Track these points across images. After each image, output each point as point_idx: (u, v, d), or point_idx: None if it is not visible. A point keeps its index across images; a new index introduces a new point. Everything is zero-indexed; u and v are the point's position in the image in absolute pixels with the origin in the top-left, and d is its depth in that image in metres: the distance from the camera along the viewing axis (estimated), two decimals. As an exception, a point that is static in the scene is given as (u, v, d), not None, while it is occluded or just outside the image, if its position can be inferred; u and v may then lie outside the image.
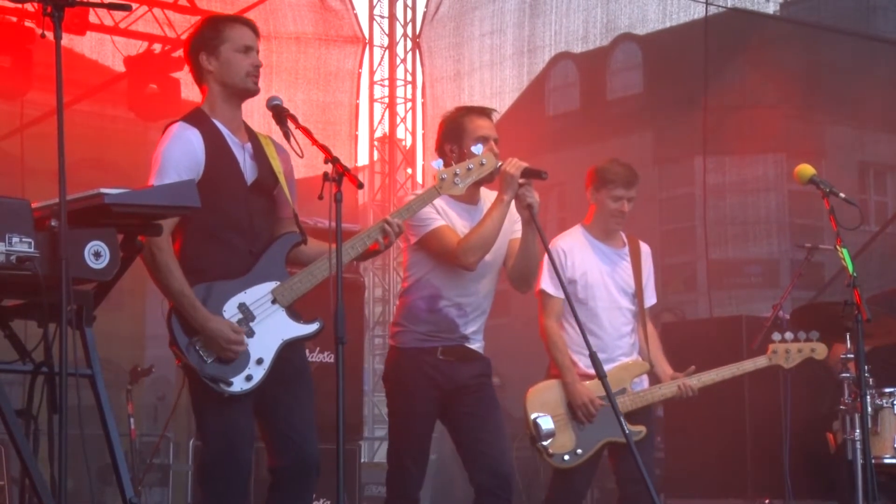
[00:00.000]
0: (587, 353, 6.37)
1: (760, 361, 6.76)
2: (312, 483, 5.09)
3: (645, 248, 6.81)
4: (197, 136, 4.99)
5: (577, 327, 6.41)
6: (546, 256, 6.38)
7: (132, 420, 9.10)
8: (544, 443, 6.35)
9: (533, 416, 6.40)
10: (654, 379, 6.66)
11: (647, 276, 6.76)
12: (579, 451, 6.41)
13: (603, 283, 6.55)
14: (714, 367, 6.78)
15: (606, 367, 6.37)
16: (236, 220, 5.02)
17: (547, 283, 6.38)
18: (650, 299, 6.78)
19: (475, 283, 5.74)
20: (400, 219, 5.16)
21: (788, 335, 6.74)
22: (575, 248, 6.60)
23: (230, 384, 4.89)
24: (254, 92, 5.14)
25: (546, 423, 6.37)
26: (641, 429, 6.43)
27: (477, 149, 5.41)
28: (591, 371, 6.38)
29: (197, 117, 5.08)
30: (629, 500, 6.46)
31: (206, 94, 5.15)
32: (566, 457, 6.39)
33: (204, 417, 4.99)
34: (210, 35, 5.13)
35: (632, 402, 6.48)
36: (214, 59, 5.10)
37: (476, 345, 5.82)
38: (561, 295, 6.39)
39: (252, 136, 5.18)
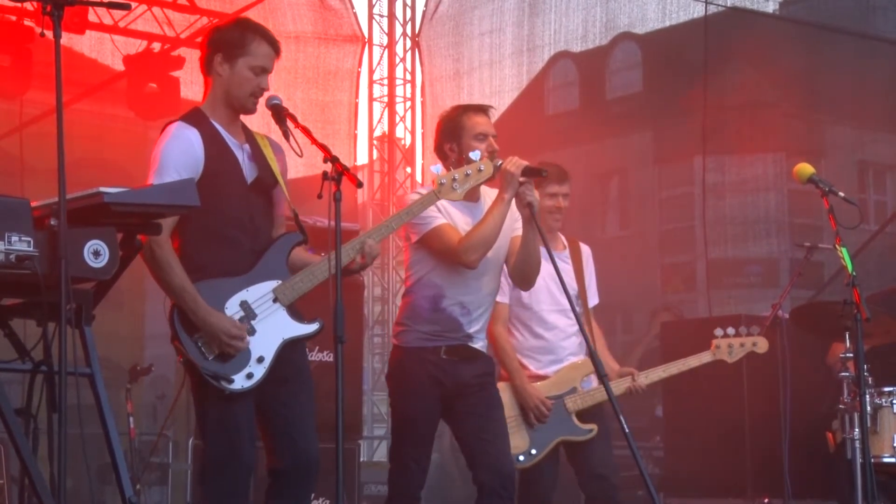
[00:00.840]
0: (537, 356, 6.58)
1: (705, 357, 6.89)
2: (312, 483, 5.10)
3: (585, 250, 6.89)
4: (196, 136, 5.00)
5: (523, 331, 6.53)
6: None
7: (131, 419, 9.10)
8: None
9: None
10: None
11: (589, 276, 6.87)
12: (533, 451, 6.49)
13: (546, 286, 6.58)
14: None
15: (554, 367, 6.51)
16: (238, 218, 5.03)
17: None
18: (593, 299, 6.89)
19: (477, 281, 5.74)
20: (375, 239, 5.14)
21: (730, 330, 6.87)
22: None
23: (231, 381, 4.89)
24: (251, 112, 5.15)
25: None
26: (593, 427, 6.57)
27: (475, 155, 5.42)
28: (541, 372, 6.57)
29: (196, 117, 5.09)
30: (594, 496, 6.55)
31: (209, 89, 5.16)
32: (521, 457, 6.46)
33: (205, 415, 4.99)
34: (235, 41, 5.09)
35: (582, 401, 6.59)
36: (229, 66, 5.09)
37: (479, 344, 5.83)
38: (506, 300, 6.48)
39: (249, 137, 5.19)
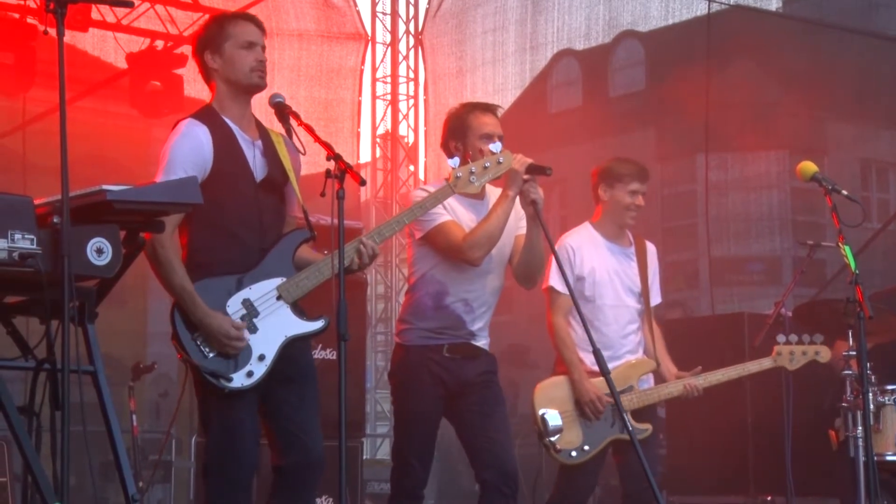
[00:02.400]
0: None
1: (765, 363, 6.77)
2: (317, 481, 5.09)
3: (651, 248, 6.82)
4: (205, 133, 4.99)
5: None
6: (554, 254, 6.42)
7: (134, 417, 9.10)
8: (552, 438, 6.35)
9: (541, 411, 6.40)
10: (659, 378, 6.67)
11: (652, 275, 6.76)
12: (586, 447, 6.41)
13: (610, 281, 6.55)
14: (716, 364, 6.79)
15: (612, 365, 6.40)
16: (245, 216, 5.02)
17: (555, 279, 6.37)
18: (655, 298, 6.78)
19: (481, 278, 5.74)
20: (374, 241, 5.13)
21: (793, 337, 6.75)
22: (584, 246, 6.60)
23: (230, 380, 4.88)
24: (260, 87, 5.13)
25: (554, 418, 6.37)
26: (648, 426, 6.45)
27: (495, 147, 5.39)
28: (597, 368, 6.43)
29: (206, 114, 5.09)
30: (633, 497, 6.47)
31: (214, 92, 5.16)
32: (573, 453, 6.40)
33: (208, 413, 4.99)
34: (214, 33, 5.14)
35: (638, 400, 6.48)
36: (219, 56, 5.11)
37: (482, 342, 5.82)
38: (567, 292, 6.41)
39: (263, 133, 5.18)
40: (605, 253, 6.62)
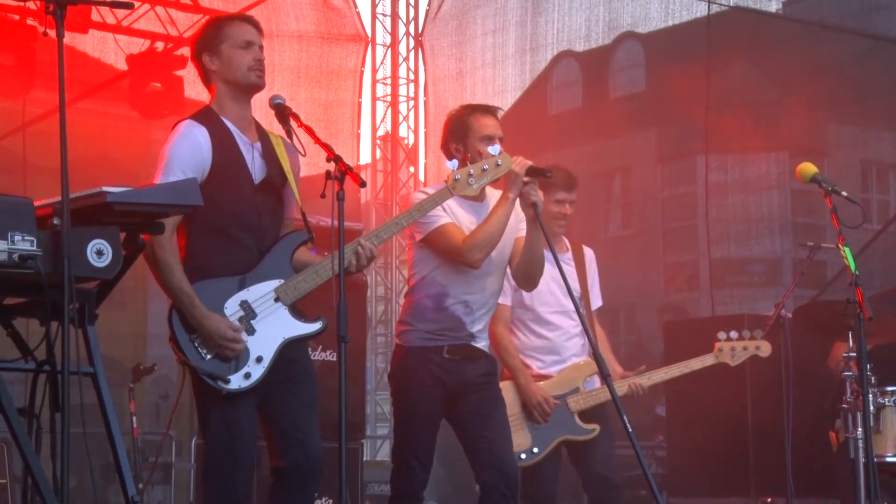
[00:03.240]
0: (540, 356, 6.59)
1: (707, 359, 6.92)
2: (316, 482, 5.09)
3: (588, 253, 6.92)
4: (204, 134, 4.99)
5: (526, 332, 6.55)
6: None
7: (134, 418, 9.11)
8: None
9: None
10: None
11: (591, 279, 6.89)
12: (535, 449, 6.50)
13: (548, 288, 6.57)
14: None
15: (557, 368, 6.52)
16: (244, 217, 5.02)
17: None
18: (596, 302, 6.91)
19: (481, 280, 5.74)
20: (372, 243, 5.13)
21: (733, 333, 6.90)
22: None
23: (228, 381, 4.88)
24: (258, 86, 5.14)
25: None
26: (595, 427, 6.60)
27: (494, 149, 5.39)
28: (544, 372, 6.59)
29: (206, 115, 5.09)
30: (596, 497, 6.61)
31: (214, 94, 5.16)
32: (523, 455, 6.47)
33: (206, 415, 4.99)
34: (211, 35, 5.15)
35: (585, 401, 6.61)
36: (217, 58, 5.11)
37: (482, 343, 5.82)
38: (508, 302, 6.50)
39: (262, 135, 5.19)
40: None
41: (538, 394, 6.47)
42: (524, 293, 6.48)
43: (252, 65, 5.09)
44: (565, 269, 6.63)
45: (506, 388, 6.47)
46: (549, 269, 6.37)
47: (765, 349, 6.97)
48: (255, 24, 5.21)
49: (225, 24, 5.17)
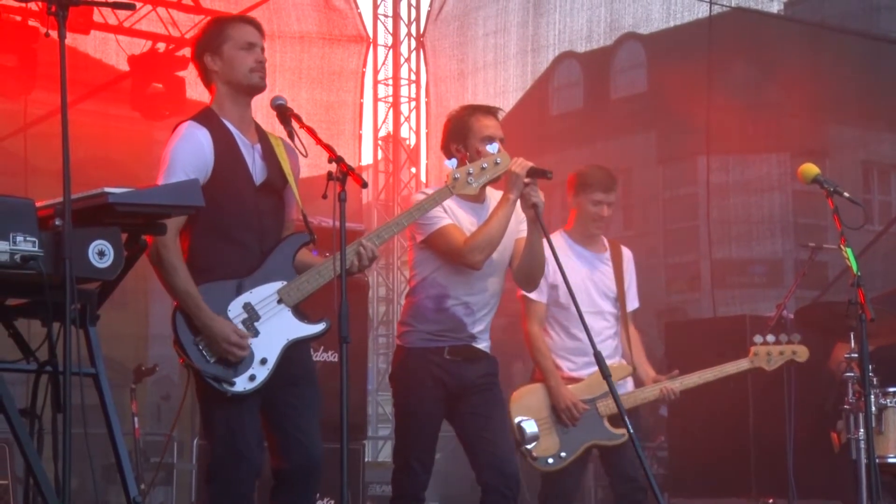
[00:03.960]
0: (571, 357, 6.47)
1: (742, 364, 6.81)
2: (316, 484, 5.09)
3: (626, 253, 6.85)
4: (206, 136, 4.99)
5: (559, 331, 6.49)
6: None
7: (136, 419, 9.11)
8: (528, 446, 6.36)
9: (517, 419, 6.42)
10: (638, 382, 6.68)
11: (629, 280, 6.81)
12: (563, 454, 6.45)
13: (584, 287, 6.56)
14: (717, 365, 6.80)
15: (589, 370, 6.46)
16: (246, 218, 5.03)
17: None
18: (633, 303, 6.82)
19: (482, 281, 5.74)
20: (374, 243, 5.12)
21: (770, 337, 6.79)
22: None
23: (233, 384, 4.89)
24: (260, 87, 5.14)
25: (530, 426, 6.38)
26: (625, 432, 6.46)
27: (492, 147, 5.40)
28: (575, 374, 6.50)
29: (206, 117, 5.09)
30: (624, 498, 6.51)
31: (214, 95, 5.16)
32: (550, 460, 6.43)
33: (210, 417, 4.99)
34: (213, 35, 5.15)
35: (615, 405, 6.49)
36: (218, 58, 5.11)
37: (483, 344, 5.82)
38: (543, 300, 6.45)
39: (262, 137, 5.19)
40: (577, 259, 6.63)
41: (568, 398, 6.41)
42: (560, 291, 6.46)
43: (254, 66, 5.09)
44: (603, 270, 6.64)
45: (536, 390, 6.46)
46: (586, 268, 6.39)
47: (801, 353, 6.83)
48: (257, 26, 5.21)
49: (227, 25, 5.17)
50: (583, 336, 6.49)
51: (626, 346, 6.72)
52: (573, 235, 6.69)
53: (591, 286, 6.57)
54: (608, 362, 6.51)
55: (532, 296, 6.41)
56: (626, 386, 6.61)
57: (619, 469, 6.56)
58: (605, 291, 6.64)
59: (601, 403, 6.47)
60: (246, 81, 5.11)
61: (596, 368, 6.40)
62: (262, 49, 5.17)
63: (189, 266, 4.92)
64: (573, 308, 6.50)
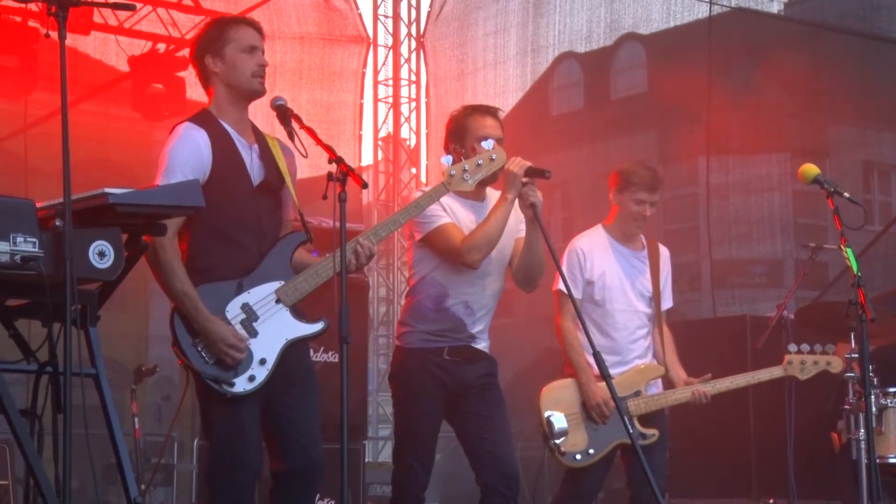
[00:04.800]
0: (604, 355, 6.39)
1: (776, 372, 6.73)
2: (316, 485, 5.09)
3: (664, 252, 6.79)
4: (204, 137, 4.99)
5: (593, 329, 6.43)
6: (565, 257, 6.39)
7: (136, 419, 9.11)
8: (557, 441, 6.34)
9: (546, 413, 6.40)
10: (669, 383, 6.65)
11: (664, 279, 6.74)
12: (591, 451, 6.41)
13: (621, 285, 6.54)
14: (718, 367, 6.80)
15: (620, 369, 6.41)
16: (244, 219, 5.02)
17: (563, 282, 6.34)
18: (667, 303, 6.76)
19: (481, 280, 5.74)
20: (371, 241, 5.12)
21: (805, 346, 6.70)
22: (595, 249, 6.59)
23: (232, 385, 4.88)
24: (260, 93, 5.13)
25: (559, 421, 6.37)
26: (654, 432, 6.45)
27: (487, 143, 5.40)
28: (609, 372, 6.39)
29: (204, 118, 5.08)
30: (640, 499, 6.45)
31: (213, 96, 5.15)
32: (578, 456, 6.40)
33: (210, 418, 4.99)
34: (215, 37, 5.13)
35: (646, 406, 6.47)
36: (220, 60, 5.10)
37: (482, 344, 5.82)
38: (578, 295, 6.43)
39: (259, 137, 5.19)
40: (616, 257, 6.60)
41: (599, 395, 6.36)
42: (595, 287, 6.45)
43: (256, 70, 5.09)
44: (639, 268, 6.62)
45: (567, 385, 6.44)
46: (623, 266, 6.37)
47: (836, 364, 6.70)
48: (258, 28, 5.21)
49: (228, 27, 5.16)
50: (615, 335, 6.50)
51: (659, 347, 6.70)
52: (612, 232, 6.66)
53: (627, 285, 6.55)
54: (640, 362, 6.53)
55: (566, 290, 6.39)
56: (656, 387, 6.58)
57: (641, 473, 6.52)
58: (641, 290, 6.62)
59: (632, 403, 6.44)
60: (247, 86, 5.11)
61: (625, 368, 6.45)
62: (263, 52, 5.17)
63: (187, 267, 4.92)
64: (608, 306, 6.52)
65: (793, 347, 6.72)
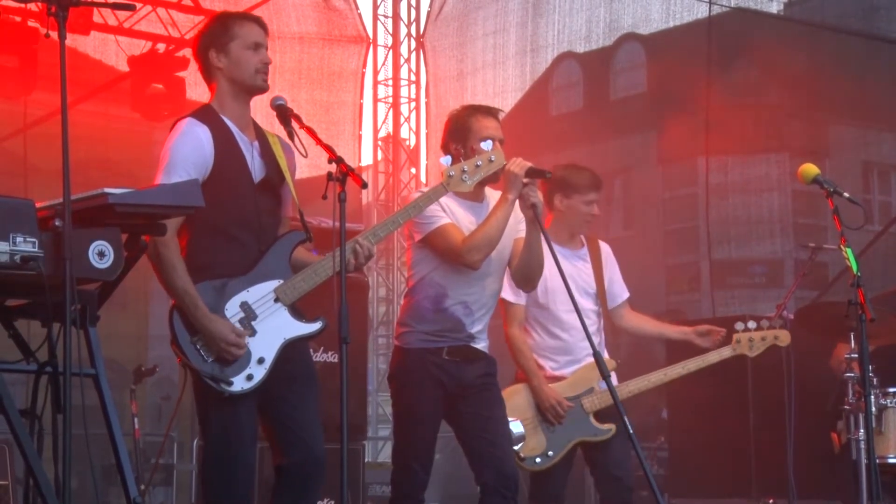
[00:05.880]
0: (554, 357, 6.49)
1: (725, 352, 6.74)
2: (320, 481, 5.08)
3: (604, 247, 6.84)
4: (206, 133, 4.99)
5: (541, 332, 6.50)
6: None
7: (136, 420, 9.11)
8: (515, 447, 6.35)
9: None
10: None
11: (610, 273, 6.80)
12: (550, 452, 6.45)
13: (562, 286, 6.54)
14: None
15: (572, 368, 6.47)
16: (245, 216, 5.02)
17: (507, 291, 6.30)
18: (622, 294, 6.84)
19: (481, 281, 5.74)
20: (370, 241, 5.12)
21: (752, 323, 6.75)
22: None
23: (230, 383, 4.88)
24: (263, 89, 5.14)
25: (516, 427, 6.37)
26: (611, 426, 6.50)
27: (486, 144, 5.40)
28: (558, 373, 6.52)
29: (206, 113, 5.08)
30: (610, 498, 6.52)
31: (215, 91, 5.15)
32: (538, 459, 6.43)
33: (206, 417, 4.99)
34: (219, 32, 5.13)
35: (600, 401, 6.52)
36: (224, 56, 5.10)
37: (481, 344, 5.82)
38: (522, 302, 6.46)
39: (260, 135, 5.19)
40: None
41: (551, 396, 6.41)
42: (538, 291, 6.46)
43: (260, 67, 5.09)
44: (580, 266, 6.64)
45: (519, 390, 6.46)
46: (565, 267, 6.37)
47: (783, 338, 6.78)
48: (263, 26, 5.21)
49: (234, 23, 5.16)
50: (564, 335, 6.55)
51: (648, 326, 6.85)
52: (551, 236, 6.67)
53: (571, 285, 6.57)
54: (590, 360, 6.53)
55: (510, 298, 6.40)
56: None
57: (603, 468, 6.56)
58: (585, 288, 6.64)
59: (586, 400, 6.49)
60: (251, 82, 5.11)
61: (578, 366, 6.50)
62: (267, 48, 5.17)
63: (187, 264, 4.91)
64: (552, 308, 6.55)
65: (739, 326, 6.77)
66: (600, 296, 6.69)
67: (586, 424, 6.48)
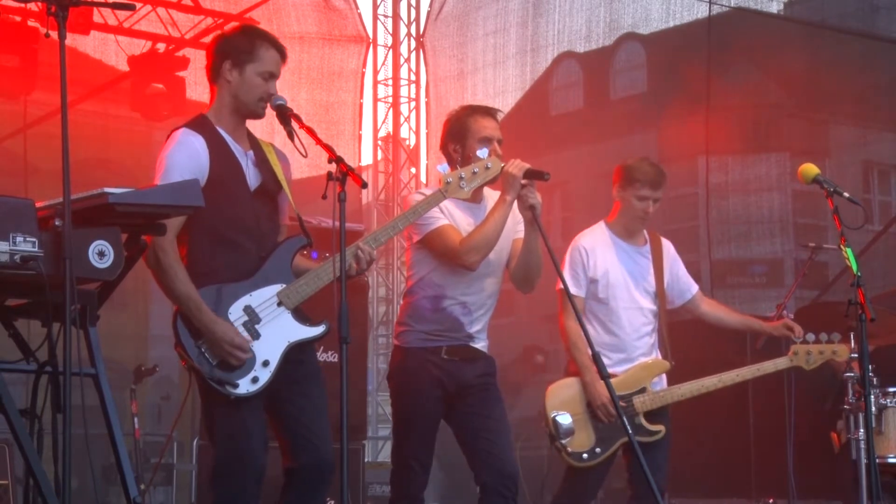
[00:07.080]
0: (608, 353, 6.36)
1: (781, 363, 6.71)
2: (328, 483, 5.10)
3: (667, 245, 6.81)
4: (201, 142, 5.00)
5: (597, 327, 6.44)
6: (568, 255, 6.39)
7: (136, 419, 9.11)
8: (563, 441, 6.33)
9: (552, 413, 6.39)
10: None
11: (672, 272, 6.76)
12: (598, 449, 6.40)
13: (624, 282, 6.54)
14: (718, 367, 6.78)
15: (625, 367, 6.42)
16: (244, 222, 5.03)
17: (568, 281, 6.32)
18: (692, 288, 6.81)
19: (479, 281, 5.74)
20: (371, 246, 5.12)
21: (810, 336, 6.69)
22: (597, 247, 6.59)
23: (236, 386, 4.89)
24: (260, 116, 5.16)
25: (565, 420, 6.35)
26: (661, 428, 6.44)
27: (482, 153, 5.41)
28: (612, 370, 6.35)
29: (201, 124, 5.09)
30: (641, 498, 6.43)
31: (216, 97, 5.15)
32: (585, 455, 6.39)
33: (213, 419, 4.99)
34: (243, 48, 5.11)
35: (651, 402, 6.46)
36: (238, 72, 5.09)
37: (480, 344, 5.82)
38: (582, 294, 6.43)
39: (254, 144, 5.20)
40: (619, 254, 6.61)
41: (604, 394, 6.31)
42: (599, 286, 6.45)
43: (264, 96, 5.09)
44: (643, 264, 6.62)
45: (571, 384, 6.43)
46: (627, 264, 6.37)
47: (841, 353, 6.68)
48: (284, 55, 5.18)
49: (260, 44, 5.12)
50: (620, 332, 6.50)
51: (730, 318, 6.86)
52: (615, 229, 6.65)
53: (630, 282, 6.55)
54: (645, 359, 6.52)
55: (571, 290, 6.36)
56: (661, 383, 6.57)
57: (643, 470, 6.50)
58: (645, 287, 6.61)
59: (637, 400, 6.44)
60: (252, 107, 5.13)
61: (632, 365, 6.44)
62: (278, 78, 5.15)
63: (189, 270, 4.93)
64: (612, 303, 6.51)
65: (797, 339, 6.70)
66: (659, 295, 6.65)
67: (636, 425, 6.42)
